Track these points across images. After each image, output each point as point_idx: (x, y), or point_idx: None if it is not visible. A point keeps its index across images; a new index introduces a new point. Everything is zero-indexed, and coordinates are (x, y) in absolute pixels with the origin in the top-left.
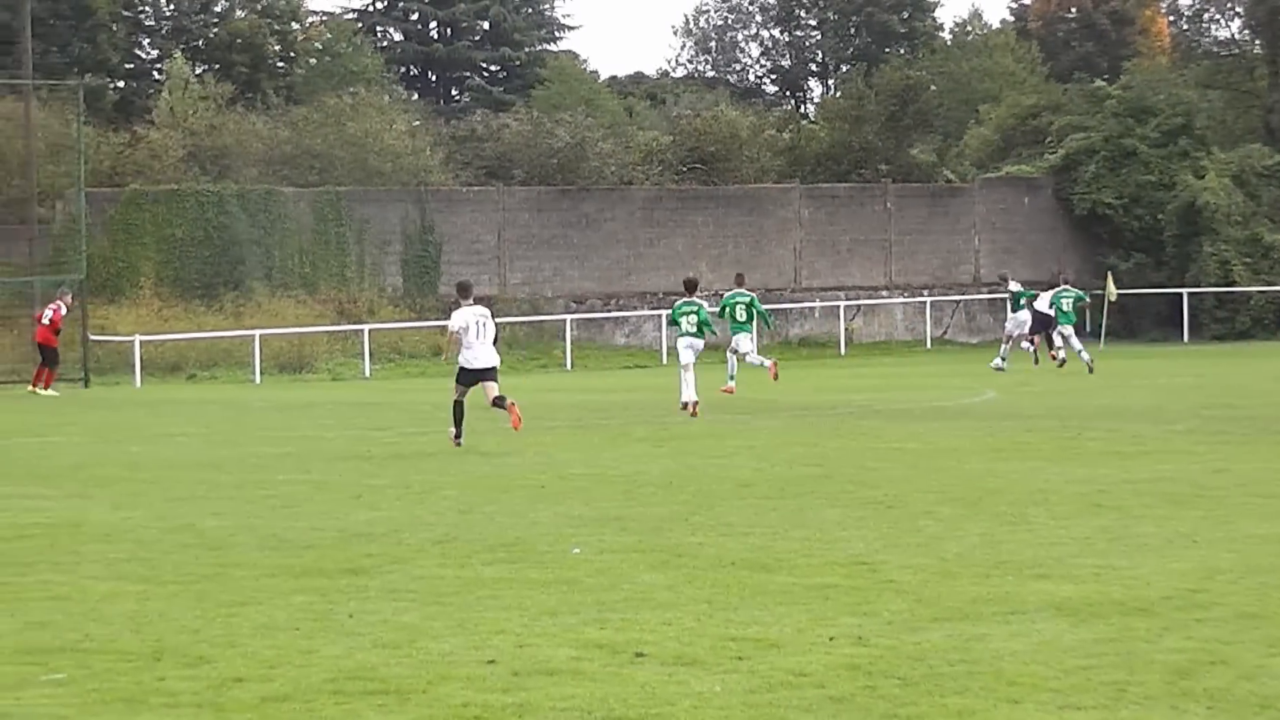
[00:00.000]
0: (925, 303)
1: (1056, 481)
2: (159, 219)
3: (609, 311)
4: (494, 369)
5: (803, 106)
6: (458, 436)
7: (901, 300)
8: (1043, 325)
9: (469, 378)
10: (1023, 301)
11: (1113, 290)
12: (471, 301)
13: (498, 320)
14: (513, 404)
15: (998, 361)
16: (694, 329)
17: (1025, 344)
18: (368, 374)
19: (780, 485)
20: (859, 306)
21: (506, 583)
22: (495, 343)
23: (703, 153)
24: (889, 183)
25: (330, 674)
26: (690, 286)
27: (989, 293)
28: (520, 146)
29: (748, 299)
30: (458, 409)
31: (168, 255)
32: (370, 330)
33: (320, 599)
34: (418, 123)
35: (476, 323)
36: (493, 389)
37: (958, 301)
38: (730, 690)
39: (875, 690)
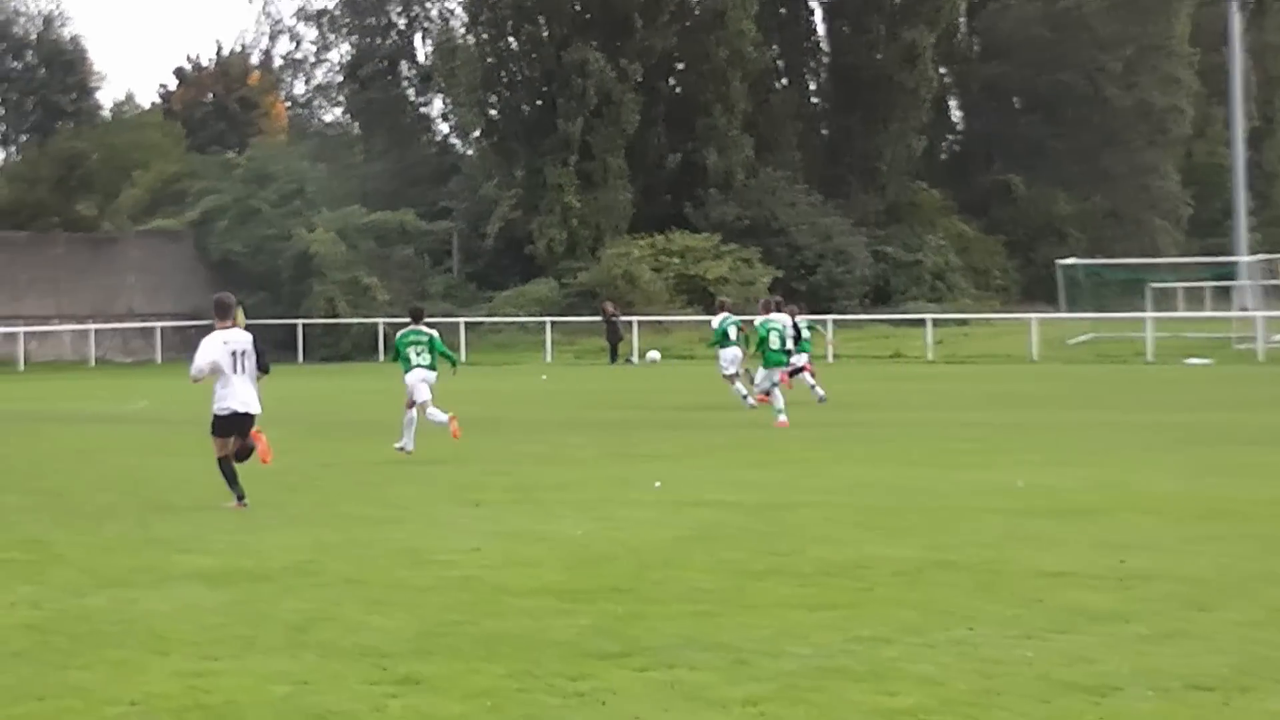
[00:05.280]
0: (90, 330)
1: (193, 472)
2: None
3: None
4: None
5: None
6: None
7: (70, 328)
8: None
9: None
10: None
11: (242, 320)
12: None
13: None
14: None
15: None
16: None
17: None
18: None
19: None
20: (34, 333)
21: None
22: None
23: None
24: (60, 232)
25: None
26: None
27: (142, 322)
28: None
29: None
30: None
31: None
32: None
33: None
34: None
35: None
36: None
37: (116, 329)
38: None
39: (49, 644)
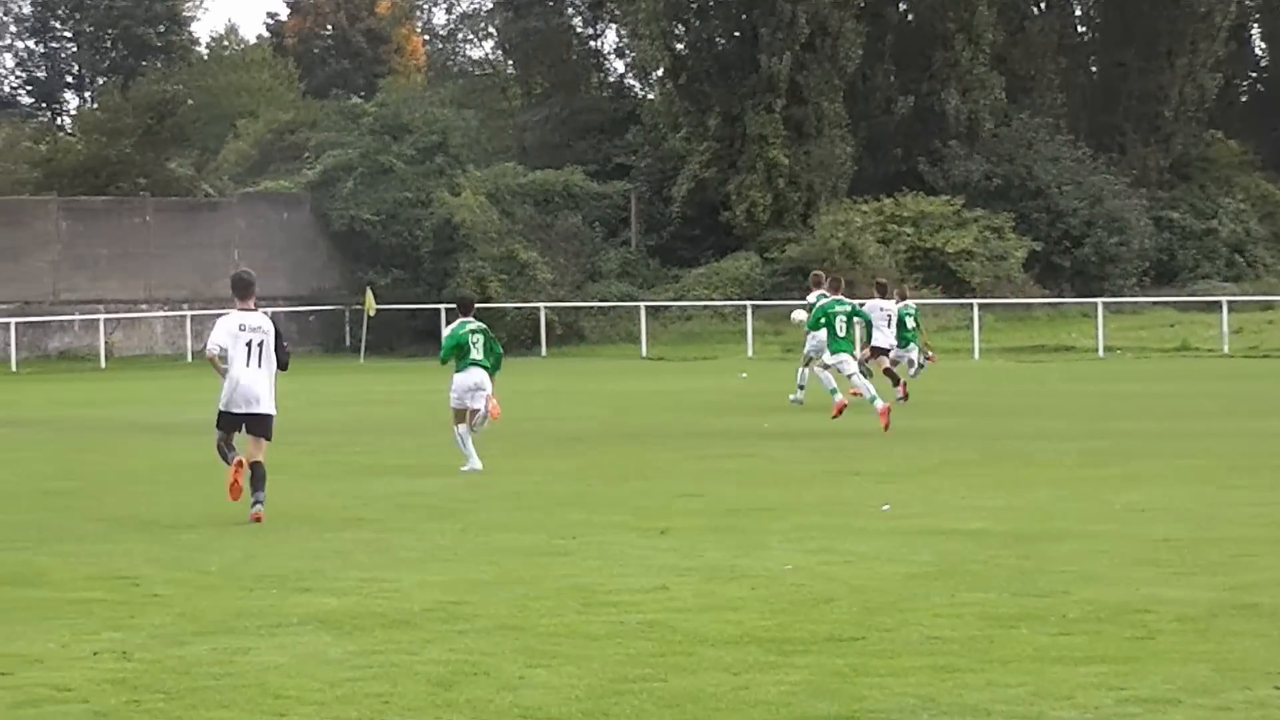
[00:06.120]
0: (186, 316)
1: (319, 495)
2: None
3: None
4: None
5: (59, 118)
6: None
7: (162, 314)
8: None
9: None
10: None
11: (372, 305)
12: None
13: None
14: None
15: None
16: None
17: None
18: None
19: (38, 499)
20: (119, 320)
21: None
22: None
23: None
24: (148, 196)
25: None
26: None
27: None
28: None
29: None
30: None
31: None
32: None
33: None
34: None
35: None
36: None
37: (217, 315)
38: None
39: (140, 705)
